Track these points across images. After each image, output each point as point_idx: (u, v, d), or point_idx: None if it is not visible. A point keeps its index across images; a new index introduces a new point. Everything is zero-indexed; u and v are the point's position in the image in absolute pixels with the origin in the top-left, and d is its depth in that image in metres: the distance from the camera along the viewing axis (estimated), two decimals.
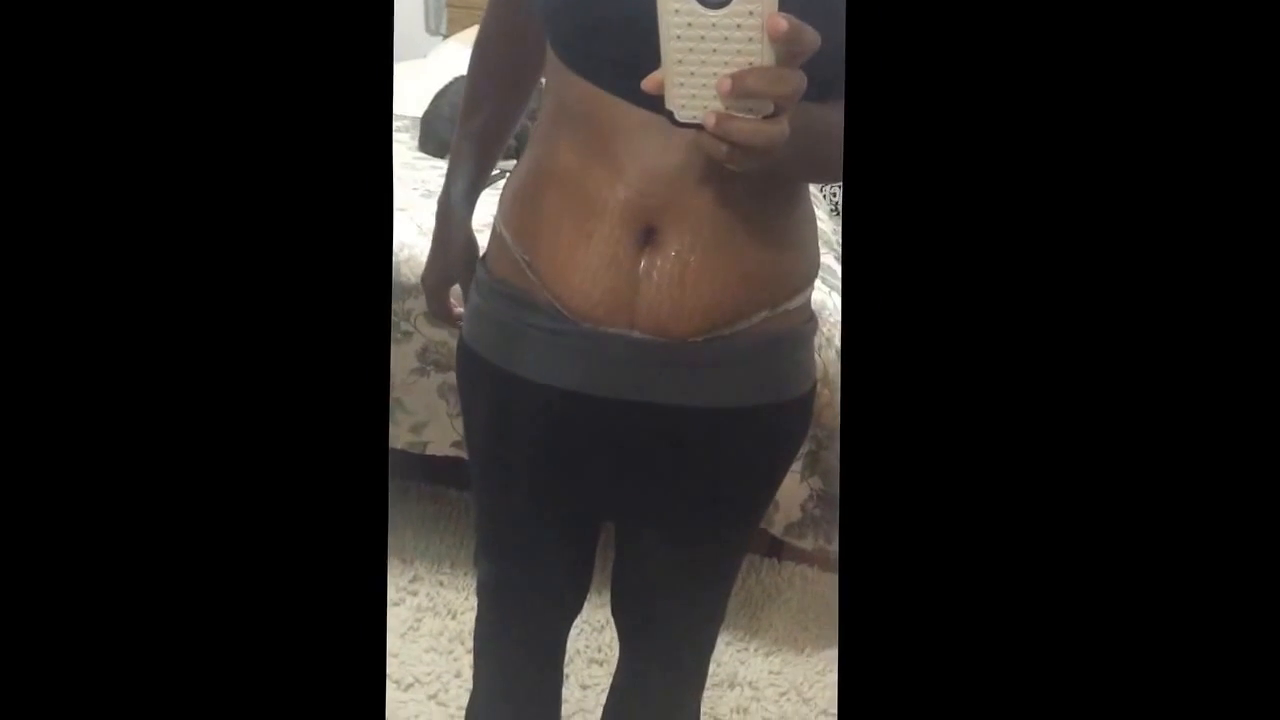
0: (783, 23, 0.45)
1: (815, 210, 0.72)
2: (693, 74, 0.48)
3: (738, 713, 1.36)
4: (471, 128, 0.81)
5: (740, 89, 0.47)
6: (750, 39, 0.46)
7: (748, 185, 0.61)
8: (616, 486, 0.75)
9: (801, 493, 1.39)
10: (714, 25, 0.46)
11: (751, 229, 0.63)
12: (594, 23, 0.60)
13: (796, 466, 1.34)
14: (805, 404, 0.74)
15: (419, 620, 1.42)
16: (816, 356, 0.77)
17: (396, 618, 1.42)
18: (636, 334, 0.64)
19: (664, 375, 0.66)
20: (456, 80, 1.95)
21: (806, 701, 1.40)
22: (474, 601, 0.87)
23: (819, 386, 0.78)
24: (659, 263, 0.62)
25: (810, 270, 0.70)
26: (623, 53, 0.57)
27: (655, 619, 0.83)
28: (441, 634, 1.40)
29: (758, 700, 1.39)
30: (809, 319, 0.73)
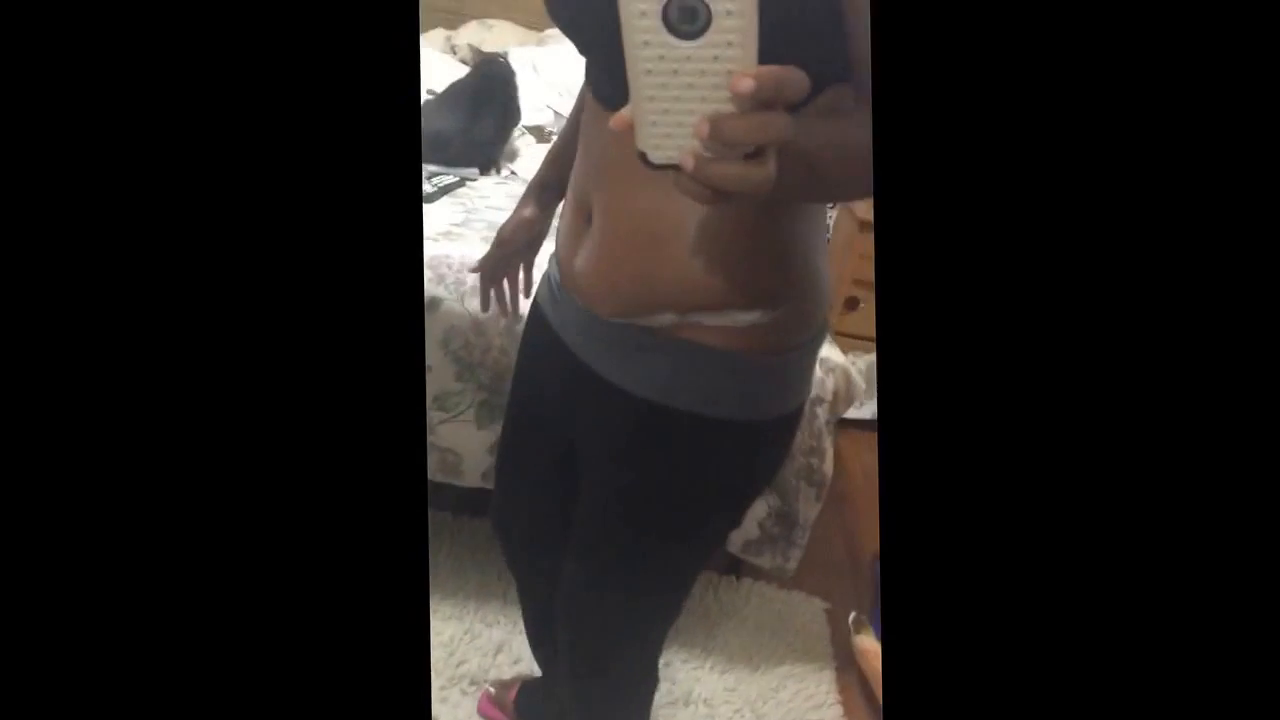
0: (749, 82, 0.39)
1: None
2: (666, 111, 0.42)
3: None
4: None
5: (719, 135, 0.41)
6: (730, 72, 0.40)
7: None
8: (576, 442, 0.82)
9: (759, 510, 1.39)
10: (688, 59, 0.40)
11: (676, 230, 0.66)
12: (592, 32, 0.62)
13: None
14: (741, 430, 0.71)
15: None
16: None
17: None
18: (579, 302, 0.75)
19: (600, 346, 0.74)
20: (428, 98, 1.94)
21: (760, 718, 1.38)
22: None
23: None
24: (588, 244, 0.72)
25: (770, 292, 0.66)
26: (606, 56, 0.59)
27: (581, 627, 0.87)
28: None
29: (712, 717, 1.37)
30: (756, 346, 0.68)
